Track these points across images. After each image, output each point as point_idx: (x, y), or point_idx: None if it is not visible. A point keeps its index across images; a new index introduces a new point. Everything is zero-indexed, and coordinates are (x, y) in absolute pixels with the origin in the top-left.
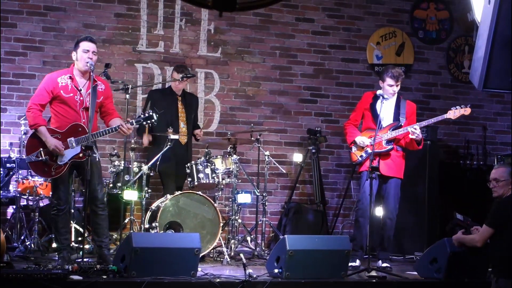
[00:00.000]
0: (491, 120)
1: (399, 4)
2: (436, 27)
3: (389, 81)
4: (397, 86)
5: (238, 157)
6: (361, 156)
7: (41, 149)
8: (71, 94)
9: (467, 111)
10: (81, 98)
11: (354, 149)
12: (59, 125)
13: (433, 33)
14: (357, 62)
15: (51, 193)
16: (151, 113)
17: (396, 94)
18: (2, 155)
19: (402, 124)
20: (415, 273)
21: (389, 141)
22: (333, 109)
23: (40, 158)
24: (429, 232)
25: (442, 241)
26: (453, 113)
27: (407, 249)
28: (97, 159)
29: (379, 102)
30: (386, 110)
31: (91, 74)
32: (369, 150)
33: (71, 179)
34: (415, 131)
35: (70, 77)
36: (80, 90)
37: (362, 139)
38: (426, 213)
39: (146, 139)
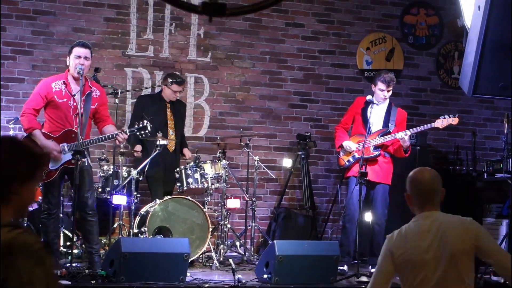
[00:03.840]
0: (480, 126)
1: (389, 9)
2: (426, 32)
3: (380, 85)
4: (388, 91)
5: (228, 162)
6: (348, 161)
7: None
8: (65, 99)
9: (455, 120)
10: (75, 104)
11: (341, 153)
12: (53, 130)
13: (423, 39)
14: (347, 68)
15: (41, 197)
16: (145, 124)
17: (387, 100)
18: None
19: (391, 131)
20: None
21: (376, 147)
22: (323, 114)
23: None
24: None
25: None
26: (441, 122)
27: None
28: (89, 166)
29: (370, 107)
30: (376, 115)
31: (87, 80)
32: (357, 155)
33: (62, 185)
34: (404, 137)
35: (64, 83)
36: (74, 95)
37: (349, 144)
38: None
39: (138, 148)
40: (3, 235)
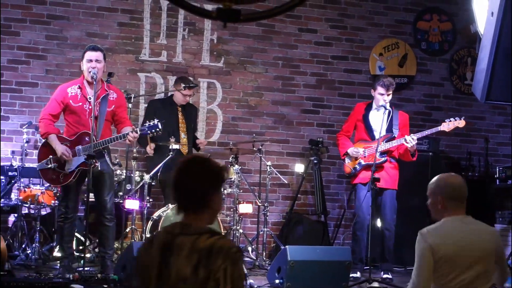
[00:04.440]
0: (493, 132)
1: (402, 15)
2: (439, 38)
3: (380, 89)
4: (388, 95)
5: (240, 167)
6: (354, 168)
7: (51, 156)
8: (80, 103)
9: (461, 123)
10: (90, 107)
11: (347, 160)
12: (70, 134)
13: (436, 45)
14: (360, 73)
15: (53, 201)
16: (156, 122)
17: (388, 105)
18: (4, 163)
19: (396, 136)
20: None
21: (382, 153)
22: (335, 119)
23: (49, 165)
24: None
25: None
26: (447, 125)
27: (408, 260)
28: (109, 168)
29: (372, 113)
30: (379, 121)
31: (103, 82)
32: (363, 162)
33: (80, 189)
34: (412, 141)
35: (80, 87)
36: (89, 99)
37: (355, 149)
38: (428, 224)
39: (149, 147)
40: (203, 241)
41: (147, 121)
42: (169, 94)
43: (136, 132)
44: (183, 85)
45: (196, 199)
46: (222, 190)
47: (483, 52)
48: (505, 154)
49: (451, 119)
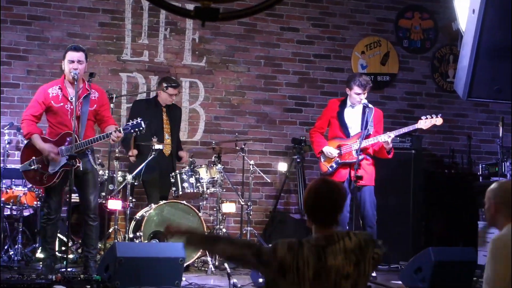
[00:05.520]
0: (476, 130)
1: (383, 13)
2: (421, 36)
3: (356, 89)
4: (364, 94)
5: (223, 166)
6: (331, 166)
7: (34, 157)
8: (62, 104)
9: (438, 120)
10: (72, 107)
11: (322, 159)
12: (52, 135)
13: (417, 42)
14: (342, 71)
15: (36, 202)
16: (139, 121)
17: (366, 102)
18: None
19: (371, 133)
20: (400, 282)
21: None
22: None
23: (32, 167)
24: (414, 241)
25: (427, 250)
26: (424, 123)
27: (392, 258)
28: (93, 168)
29: (347, 110)
30: (353, 117)
31: (84, 82)
32: (340, 161)
33: (63, 190)
34: (387, 140)
35: (60, 88)
36: (71, 99)
37: (330, 150)
38: (411, 222)
39: (131, 152)
40: (349, 241)
41: (130, 120)
42: (154, 94)
43: (120, 131)
44: (165, 84)
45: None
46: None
47: (465, 49)
48: (488, 151)
49: (428, 116)
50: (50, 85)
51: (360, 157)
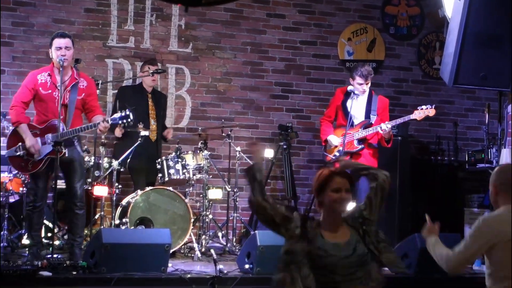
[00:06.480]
0: (462, 116)
1: (370, 0)
2: (407, 23)
3: (358, 79)
4: (367, 84)
5: (209, 152)
6: (334, 155)
7: (20, 144)
8: (50, 91)
9: (431, 112)
10: (59, 95)
11: (326, 148)
12: (40, 122)
13: (404, 29)
14: (328, 58)
15: (22, 188)
16: (128, 113)
17: (367, 90)
18: None
19: (373, 122)
20: (386, 268)
21: (360, 140)
22: (304, 104)
23: (18, 153)
24: (400, 228)
25: (413, 236)
26: (418, 113)
27: None
28: (79, 156)
29: (350, 99)
30: (357, 107)
31: (73, 70)
32: (342, 150)
33: (49, 177)
34: (386, 129)
35: (49, 74)
36: (59, 86)
37: (332, 138)
38: (397, 209)
39: (118, 129)
40: None
41: (119, 111)
42: (139, 81)
43: (108, 122)
44: (149, 66)
45: None
46: None
47: (451, 36)
48: (474, 138)
49: (423, 106)
50: (40, 71)
51: (360, 147)
